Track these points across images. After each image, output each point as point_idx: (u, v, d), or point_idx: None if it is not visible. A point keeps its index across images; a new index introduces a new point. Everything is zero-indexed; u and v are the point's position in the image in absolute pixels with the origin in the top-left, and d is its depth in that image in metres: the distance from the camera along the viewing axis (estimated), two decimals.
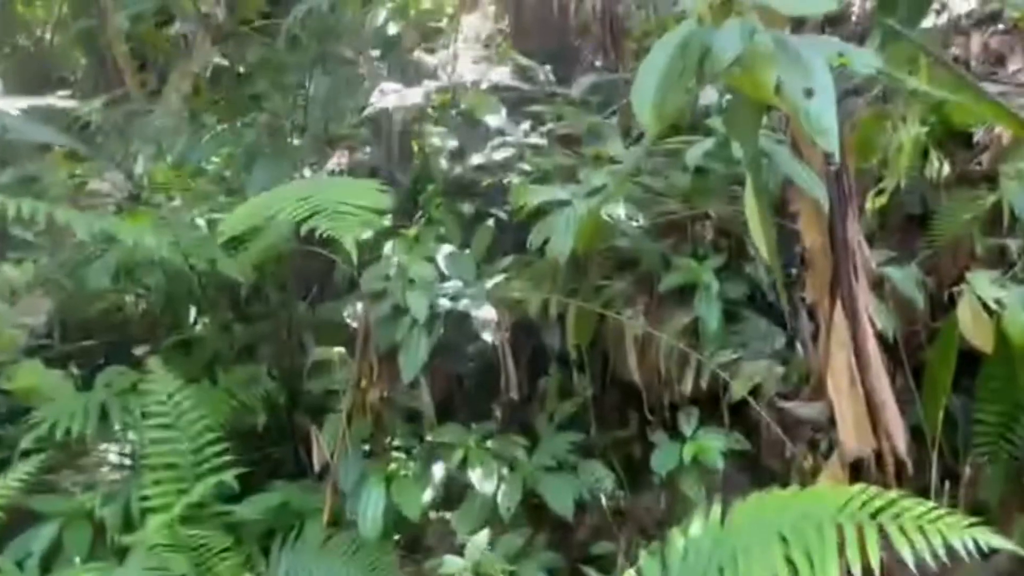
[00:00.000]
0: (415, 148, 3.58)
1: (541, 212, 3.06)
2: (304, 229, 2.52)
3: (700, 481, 2.61)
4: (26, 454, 2.98)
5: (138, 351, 3.44)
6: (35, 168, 4.07)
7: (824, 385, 2.47)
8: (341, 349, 3.18)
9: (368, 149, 3.59)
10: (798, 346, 2.96)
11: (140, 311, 3.96)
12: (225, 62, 4.24)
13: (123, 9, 4.09)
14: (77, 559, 2.79)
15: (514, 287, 2.96)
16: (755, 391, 2.73)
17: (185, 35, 5.05)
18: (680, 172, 2.77)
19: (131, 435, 3.06)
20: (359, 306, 3.03)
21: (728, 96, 2.72)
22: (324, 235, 2.45)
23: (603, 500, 2.91)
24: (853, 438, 2.36)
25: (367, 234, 2.69)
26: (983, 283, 2.57)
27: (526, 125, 3.35)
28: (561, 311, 2.89)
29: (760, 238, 2.06)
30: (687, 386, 2.69)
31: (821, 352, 2.48)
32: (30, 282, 3.99)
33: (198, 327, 3.74)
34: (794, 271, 3.04)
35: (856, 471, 2.36)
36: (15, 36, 5.71)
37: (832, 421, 2.47)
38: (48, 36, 5.82)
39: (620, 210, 2.67)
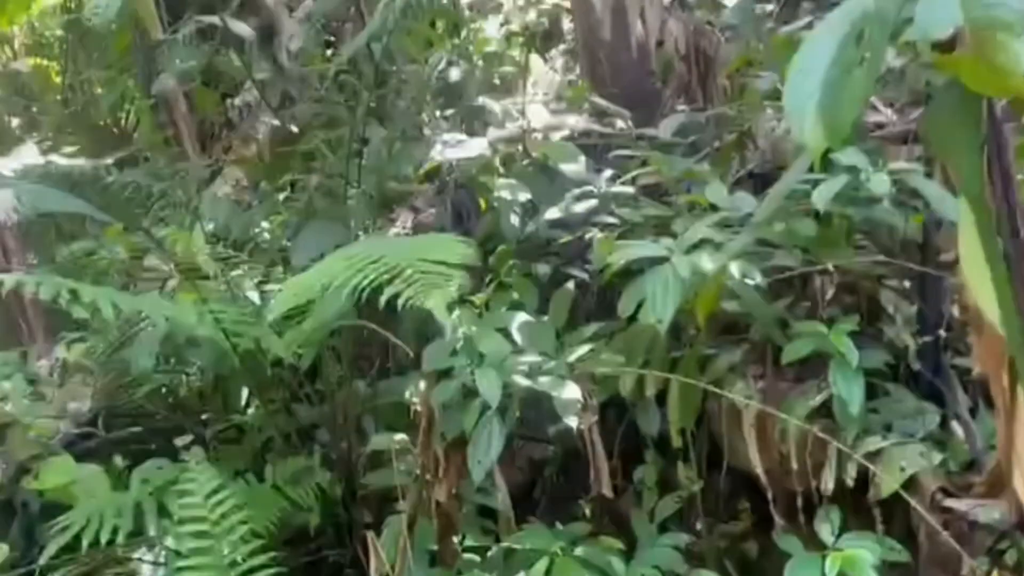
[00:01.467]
0: (482, 204, 3.18)
1: (630, 272, 2.62)
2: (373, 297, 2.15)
3: None
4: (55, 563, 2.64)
5: (180, 440, 3.08)
6: (94, 243, 3.84)
7: (1007, 479, 1.93)
8: (403, 436, 2.76)
9: (432, 209, 3.21)
10: (955, 427, 2.41)
11: (188, 394, 3.64)
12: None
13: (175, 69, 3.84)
14: None
15: (602, 361, 2.50)
16: (909, 486, 2.19)
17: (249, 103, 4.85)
18: (801, 218, 2.29)
19: (168, 541, 2.68)
20: (423, 385, 2.61)
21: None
22: (392, 304, 2.09)
23: None
24: None
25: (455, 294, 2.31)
26: None
27: (608, 173, 2.93)
28: (660, 388, 2.42)
29: (986, 295, 1.48)
30: (827, 482, 2.16)
31: (1002, 438, 1.94)
32: (78, 364, 3.73)
33: (250, 411, 3.39)
34: (942, 333, 2.51)
35: None
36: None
37: (1021, 527, 1.92)
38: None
39: (734, 268, 2.20)
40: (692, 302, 2.27)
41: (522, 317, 2.63)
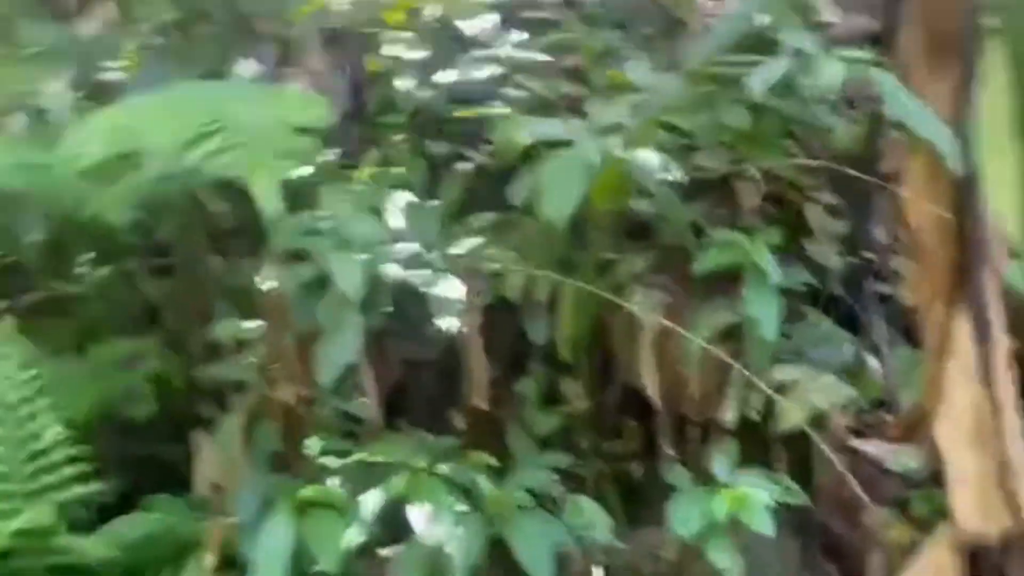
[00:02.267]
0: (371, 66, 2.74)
1: (531, 156, 2.26)
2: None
3: (735, 547, 1.83)
4: None
5: None
6: None
7: (928, 425, 1.70)
8: (257, 323, 2.37)
9: (312, 59, 2.75)
10: (868, 360, 2.19)
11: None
12: None
13: None
14: None
15: (491, 256, 2.16)
16: (814, 421, 1.95)
17: None
18: (733, 107, 1.94)
19: None
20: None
21: None
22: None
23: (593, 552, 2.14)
24: (975, 513, 1.58)
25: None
26: None
27: (518, 35, 2.51)
28: (553, 293, 2.10)
29: (1009, 195, 1.16)
30: (727, 412, 1.90)
31: (928, 376, 1.70)
32: None
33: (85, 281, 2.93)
34: (870, 255, 2.26)
35: (975, 563, 1.59)
36: None
37: (937, 479, 1.70)
38: None
39: (652, 158, 1.85)
40: (598, 195, 1.92)
41: (404, 197, 2.25)
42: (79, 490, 2.01)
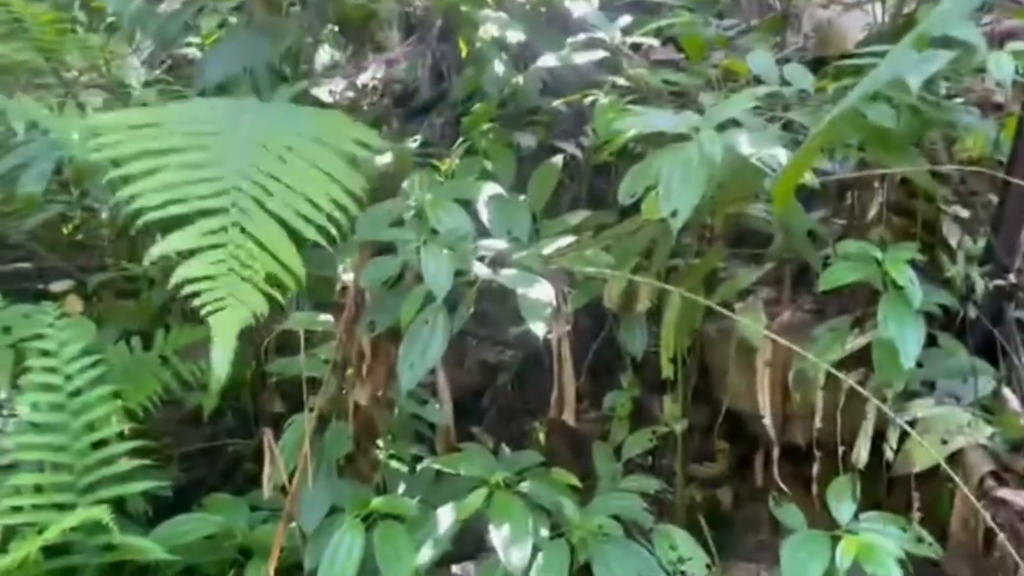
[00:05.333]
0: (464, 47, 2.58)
1: (631, 155, 2.08)
2: None
3: None
4: None
5: (58, 286, 2.52)
6: None
7: None
8: (329, 318, 2.22)
9: (396, 39, 2.60)
10: (1006, 395, 1.94)
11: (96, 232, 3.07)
12: None
13: None
14: None
15: (587, 258, 1.97)
16: (950, 463, 1.72)
17: None
18: (876, 104, 1.71)
19: (22, 408, 2.15)
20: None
21: None
22: None
23: None
24: None
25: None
26: None
27: (624, 20, 2.31)
28: (654, 302, 1.90)
29: None
30: (861, 450, 1.68)
31: None
32: None
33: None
34: (1011, 277, 2.02)
35: None
36: None
37: None
38: None
39: (781, 156, 1.64)
40: (718, 196, 1.72)
41: (493, 189, 2.07)
42: (139, 485, 1.88)
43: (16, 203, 2.81)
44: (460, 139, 2.63)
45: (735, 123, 1.83)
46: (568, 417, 1.96)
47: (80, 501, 1.86)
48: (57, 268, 2.89)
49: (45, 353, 2.02)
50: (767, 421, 1.78)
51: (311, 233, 1.40)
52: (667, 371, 1.92)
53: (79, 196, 2.92)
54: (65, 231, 3.10)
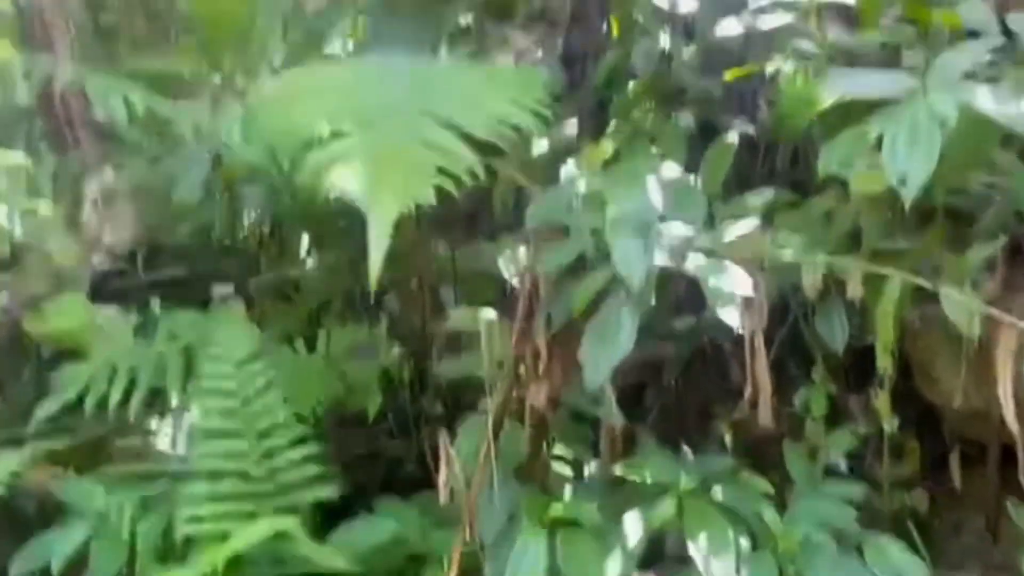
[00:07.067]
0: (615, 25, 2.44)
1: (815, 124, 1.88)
2: None
3: None
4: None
5: (219, 291, 2.52)
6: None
7: None
8: (492, 315, 2.12)
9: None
10: None
11: (247, 237, 3.08)
12: None
13: None
14: None
15: (779, 241, 1.79)
16: None
17: None
18: None
19: (193, 414, 2.14)
20: (523, 252, 1.96)
21: None
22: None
23: None
24: None
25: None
26: None
27: None
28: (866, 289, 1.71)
29: None
30: None
31: None
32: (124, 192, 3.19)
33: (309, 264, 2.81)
34: None
35: None
36: None
37: None
38: None
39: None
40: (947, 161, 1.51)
41: (672, 169, 1.92)
42: (318, 492, 1.82)
43: (171, 210, 2.84)
44: (609, 124, 2.49)
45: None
46: (764, 417, 1.79)
47: (261, 509, 1.81)
48: (212, 274, 2.91)
49: (215, 359, 1.99)
50: (1009, 420, 1.56)
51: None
52: (883, 364, 1.73)
53: (229, 200, 2.93)
54: (213, 236, 3.13)
